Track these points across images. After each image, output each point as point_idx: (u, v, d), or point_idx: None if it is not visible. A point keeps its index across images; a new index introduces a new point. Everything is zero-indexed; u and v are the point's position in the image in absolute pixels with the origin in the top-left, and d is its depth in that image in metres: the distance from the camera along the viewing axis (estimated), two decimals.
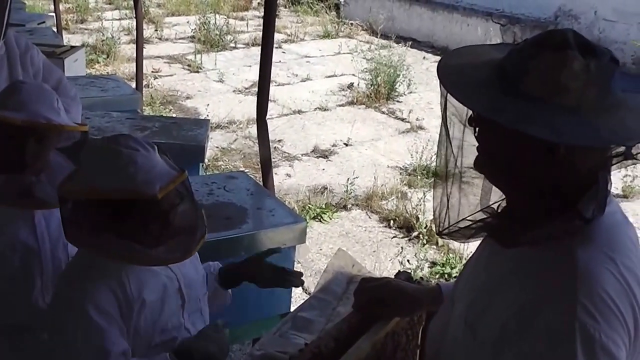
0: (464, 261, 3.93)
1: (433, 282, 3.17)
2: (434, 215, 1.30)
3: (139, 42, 5.69)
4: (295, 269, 2.78)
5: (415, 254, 4.18)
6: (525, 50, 1.07)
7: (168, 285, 1.68)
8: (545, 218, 1.08)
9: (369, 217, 4.73)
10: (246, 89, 7.54)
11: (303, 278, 1.97)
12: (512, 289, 1.10)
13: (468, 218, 1.24)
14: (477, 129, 1.15)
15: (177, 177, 1.57)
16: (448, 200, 1.26)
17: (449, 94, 1.12)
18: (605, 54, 1.05)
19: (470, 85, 1.09)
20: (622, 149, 1.07)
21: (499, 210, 1.23)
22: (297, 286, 2.01)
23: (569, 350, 0.99)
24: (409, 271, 1.98)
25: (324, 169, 5.52)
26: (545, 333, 1.02)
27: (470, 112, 1.13)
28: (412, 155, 5.46)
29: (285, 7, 12.11)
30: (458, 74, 1.12)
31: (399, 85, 7.39)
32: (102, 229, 1.56)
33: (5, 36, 2.40)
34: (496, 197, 1.24)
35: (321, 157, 5.78)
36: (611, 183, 1.10)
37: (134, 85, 5.66)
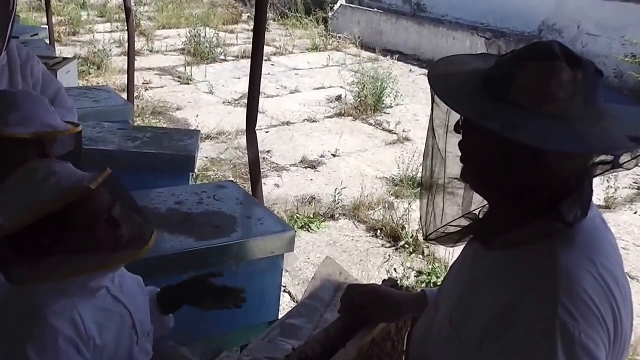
0: None
1: (419, 290, 3.20)
2: (420, 221, 1.32)
3: (131, 54, 5.72)
4: (283, 277, 2.83)
5: (402, 263, 4.21)
6: (514, 60, 1.09)
7: (122, 323, 1.58)
8: (528, 221, 1.11)
9: (356, 227, 4.75)
10: (235, 100, 7.59)
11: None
12: (495, 290, 1.12)
13: (452, 224, 1.27)
14: (463, 135, 1.17)
15: (103, 172, 1.46)
16: (434, 206, 1.29)
17: (440, 100, 1.14)
18: (590, 66, 1.07)
19: (462, 92, 1.10)
20: (605, 157, 1.09)
21: (482, 216, 1.26)
22: (238, 305, 1.82)
23: (549, 348, 1.01)
24: (395, 279, 2.01)
25: (312, 180, 5.55)
26: (526, 331, 1.04)
27: (458, 119, 1.15)
28: (398, 166, 5.49)
29: (275, 21, 12.18)
30: (448, 81, 1.14)
31: (386, 97, 7.45)
32: (47, 254, 1.40)
33: (8, 47, 2.42)
34: (479, 203, 1.27)
35: (309, 167, 5.81)
36: (593, 190, 1.13)
37: (125, 96, 5.69)
